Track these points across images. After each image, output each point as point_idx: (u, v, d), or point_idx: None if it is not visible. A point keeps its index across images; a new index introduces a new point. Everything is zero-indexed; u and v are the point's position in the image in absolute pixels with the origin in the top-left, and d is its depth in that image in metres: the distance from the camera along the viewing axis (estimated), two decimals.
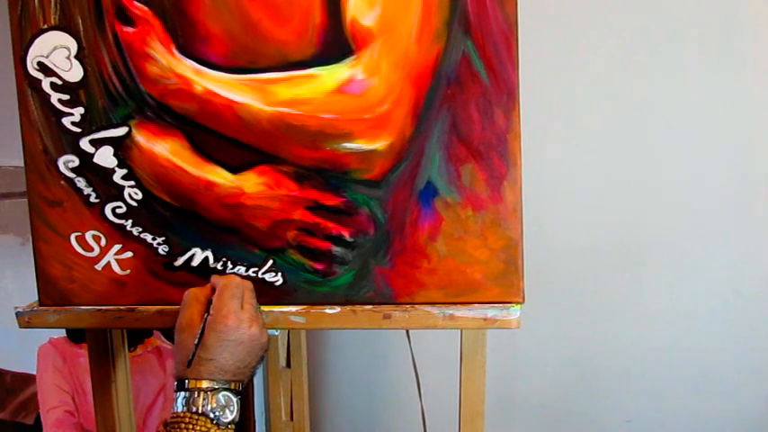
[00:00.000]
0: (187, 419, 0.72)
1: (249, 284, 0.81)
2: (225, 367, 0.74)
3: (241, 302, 0.77)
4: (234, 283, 0.78)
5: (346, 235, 0.87)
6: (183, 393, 0.73)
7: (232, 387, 0.74)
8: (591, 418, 1.68)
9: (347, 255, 0.87)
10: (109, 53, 0.85)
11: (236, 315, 0.75)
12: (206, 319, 0.75)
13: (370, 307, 0.88)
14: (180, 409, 0.73)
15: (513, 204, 0.85)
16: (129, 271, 0.90)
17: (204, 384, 0.73)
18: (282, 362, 1.46)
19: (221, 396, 0.73)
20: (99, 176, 0.88)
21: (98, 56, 0.85)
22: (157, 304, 0.90)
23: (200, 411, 0.72)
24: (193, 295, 0.78)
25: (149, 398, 1.49)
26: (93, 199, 0.89)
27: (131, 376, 1.01)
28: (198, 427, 0.71)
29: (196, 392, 0.72)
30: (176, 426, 0.72)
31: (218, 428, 0.72)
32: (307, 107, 0.84)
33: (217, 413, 0.72)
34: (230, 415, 0.73)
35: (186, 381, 0.73)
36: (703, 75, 1.47)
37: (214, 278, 0.80)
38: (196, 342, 0.74)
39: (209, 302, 0.77)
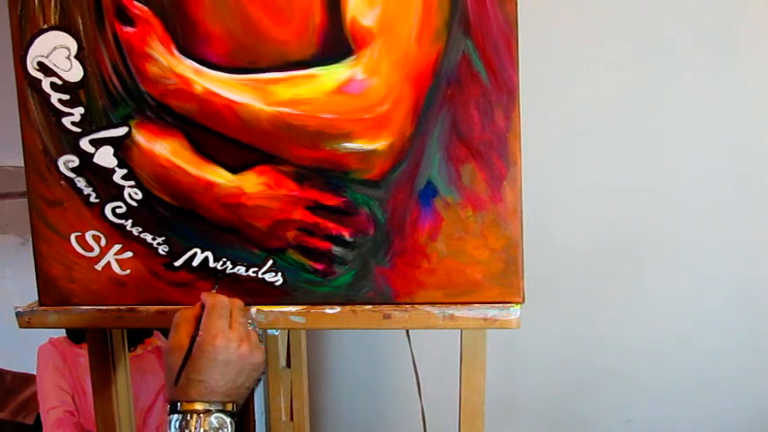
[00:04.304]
0: None
1: (239, 303, 0.80)
2: (215, 388, 0.73)
3: (230, 322, 0.77)
4: (221, 303, 0.78)
5: (346, 235, 0.87)
6: (176, 416, 0.73)
7: (227, 408, 0.74)
8: (591, 418, 1.68)
9: (347, 255, 0.87)
10: (109, 53, 0.85)
11: (224, 335, 0.75)
12: (194, 339, 0.75)
13: (370, 307, 0.88)
14: None
15: (513, 204, 0.85)
16: (129, 271, 0.90)
17: (197, 406, 0.72)
18: (282, 362, 1.46)
19: (214, 419, 0.72)
20: (99, 176, 0.88)
21: (98, 56, 0.85)
22: (157, 304, 0.90)
23: None
24: (183, 316, 0.78)
25: (149, 398, 1.49)
26: (93, 199, 0.89)
27: (131, 376, 1.01)
28: None
29: (188, 415, 0.72)
30: None
31: None
32: (307, 107, 0.84)
33: None
34: None
35: (179, 403, 0.73)
36: (704, 75, 1.47)
37: (203, 296, 0.80)
38: (182, 362, 0.73)
39: (199, 322, 0.77)
